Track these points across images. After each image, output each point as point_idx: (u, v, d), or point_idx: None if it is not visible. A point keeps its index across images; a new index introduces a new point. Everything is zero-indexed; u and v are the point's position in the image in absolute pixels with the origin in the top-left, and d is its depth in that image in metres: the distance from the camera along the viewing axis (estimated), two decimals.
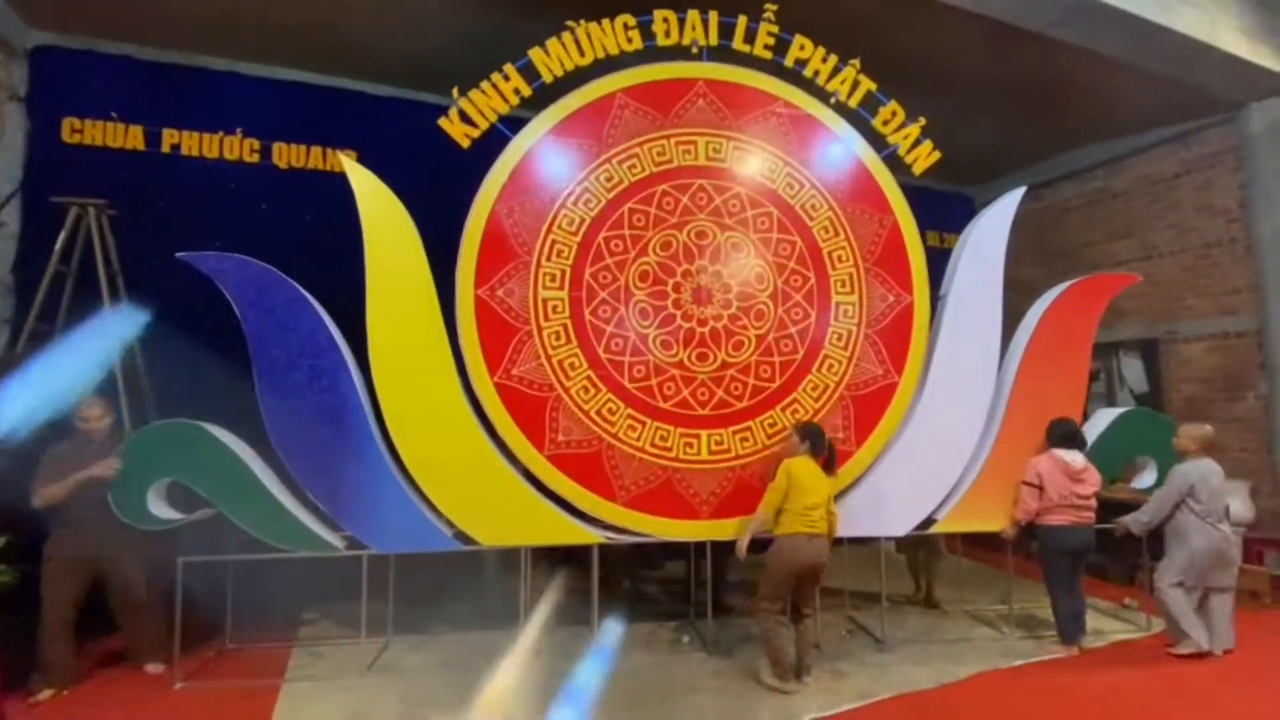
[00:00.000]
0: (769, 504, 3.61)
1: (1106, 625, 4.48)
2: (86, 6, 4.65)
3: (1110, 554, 5.45)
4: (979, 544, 5.26)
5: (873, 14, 4.57)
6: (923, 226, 4.61)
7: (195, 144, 5.09)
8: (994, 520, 4.32)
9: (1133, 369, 7.31)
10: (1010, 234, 4.50)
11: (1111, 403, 7.42)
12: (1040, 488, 4.14)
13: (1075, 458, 4.17)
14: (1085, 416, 4.62)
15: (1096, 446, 4.39)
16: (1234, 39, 5.04)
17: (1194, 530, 3.98)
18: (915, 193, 6.65)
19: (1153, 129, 6.58)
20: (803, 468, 3.61)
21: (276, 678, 3.54)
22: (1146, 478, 4.58)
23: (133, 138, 4.96)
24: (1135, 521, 4.23)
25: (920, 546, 5.11)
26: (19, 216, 4.74)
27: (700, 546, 4.24)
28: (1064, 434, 4.24)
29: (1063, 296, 4.52)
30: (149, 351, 4.48)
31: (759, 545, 3.75)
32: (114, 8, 4.65)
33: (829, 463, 3.77)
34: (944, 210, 7.42)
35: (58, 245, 4.38)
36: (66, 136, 4.83)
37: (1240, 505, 5.77)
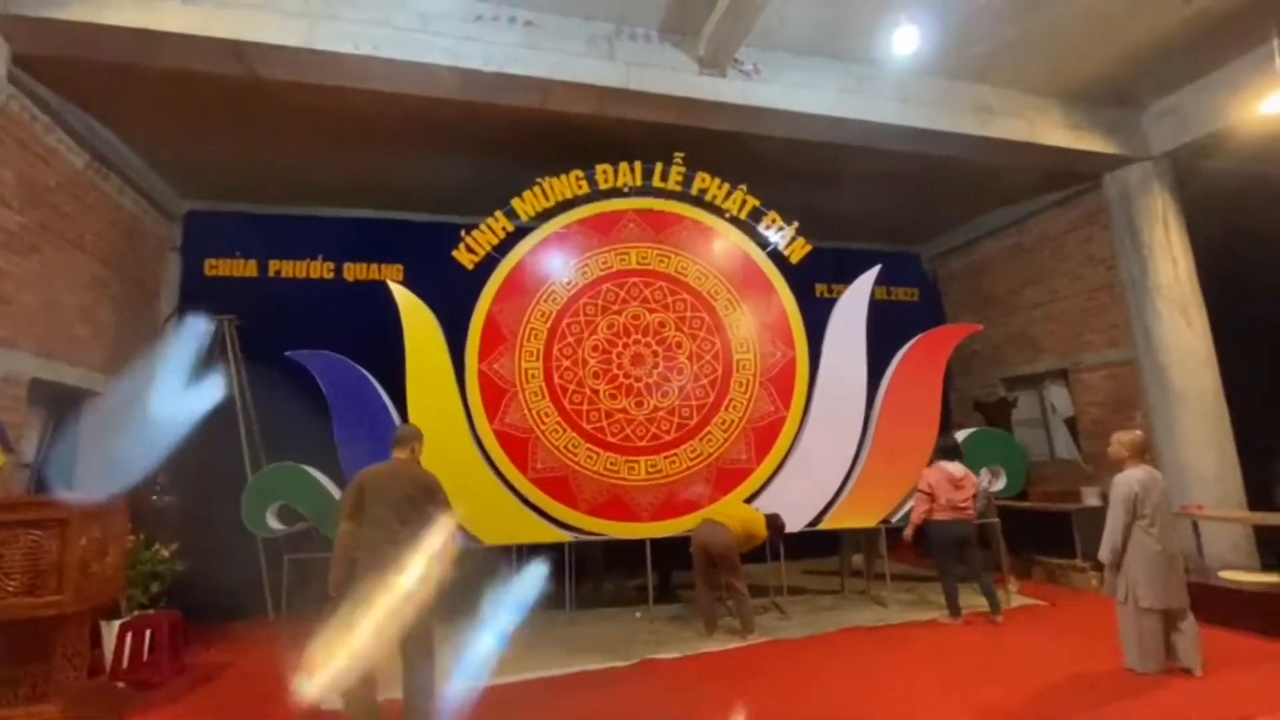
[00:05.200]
0: None
1: (975, 601, 5.59)
2: (216, 182, 6.85)
3: (1015, 552, 6.52)
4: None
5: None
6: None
7: (290, 269, 7.17)
8: (869, 519, 5.63)
9: (1060, 397, 8.39)
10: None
11: (1045, 427, 8.50)
12: (931, 494, 5.30)
13: (956, 467, 5.38)
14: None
15: None
16: (1058, 134, 6.39)
17: (1138, 541, 3.80)
18: (869, 255, 8.15)
19: (1046, 194, 7.91)
20: None
21: None
22: (999, 482, 5.79)
23: (249, 269, 7.07)
24: (1104, 552, 3.96)
25: (857, 551, 6.37)
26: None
27: (654, 558, 5.59)
28: (945, 448, 5.44)
29: (916, 345, 5.91)
30: (260, 415, 6.38)
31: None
32: (234, 181, 6.83)
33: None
34: (895, 268, 8.80)
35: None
36: (207, 271, 6.98)
37: None
